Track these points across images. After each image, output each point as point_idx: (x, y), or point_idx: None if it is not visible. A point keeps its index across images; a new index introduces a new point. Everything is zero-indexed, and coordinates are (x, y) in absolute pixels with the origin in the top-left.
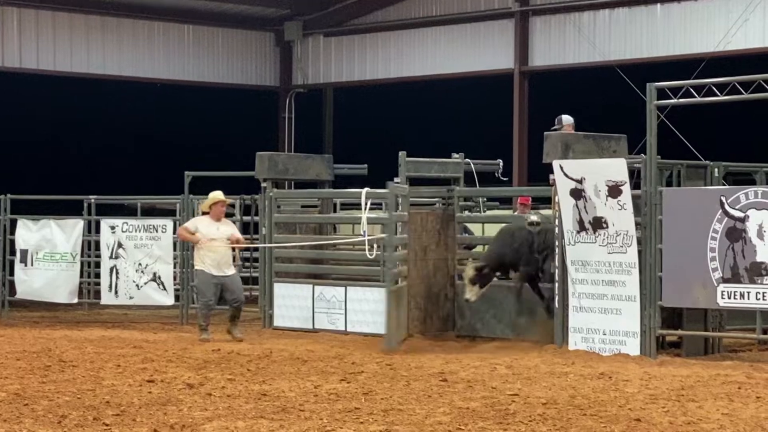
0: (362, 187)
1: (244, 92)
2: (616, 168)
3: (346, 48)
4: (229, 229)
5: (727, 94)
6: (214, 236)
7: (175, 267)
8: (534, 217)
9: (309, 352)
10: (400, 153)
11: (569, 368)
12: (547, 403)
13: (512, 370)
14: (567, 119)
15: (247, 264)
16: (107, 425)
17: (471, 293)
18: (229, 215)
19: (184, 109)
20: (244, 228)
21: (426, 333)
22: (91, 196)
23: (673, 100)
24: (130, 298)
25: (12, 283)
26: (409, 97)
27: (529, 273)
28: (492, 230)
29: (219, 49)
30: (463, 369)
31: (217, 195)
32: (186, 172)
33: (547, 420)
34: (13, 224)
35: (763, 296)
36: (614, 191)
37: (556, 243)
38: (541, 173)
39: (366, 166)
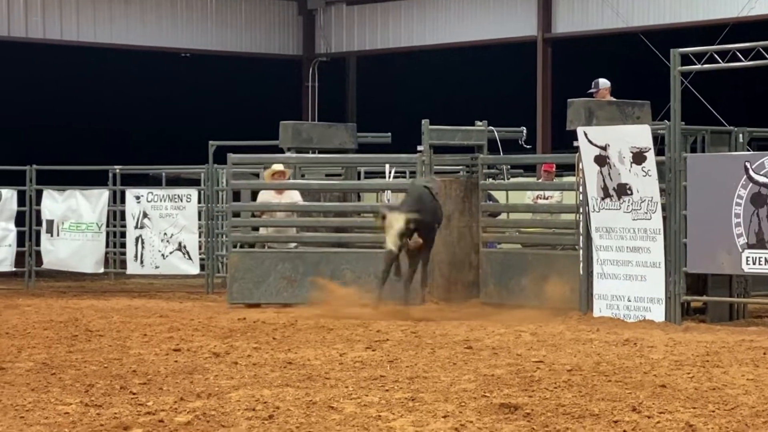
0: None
1: (267, 61)
2: (641, 134)
3: (368, 16)
4: (286, 199)
5: (751, 60)
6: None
7: (200, 236)
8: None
9: (334, 320)
10: (424, 121)
11: (594, 335)
12: (572, 369)
13: (537, 337)
14: (604, 83)
15: None
16: (134, 394)
17: (393, 243)
18: None
19: (207, 79)
20: None
21: (450, 301)
22: (116, 167)
23: (697, 66)
24: (156, 267)
25: (39, 254)
26: (432, 65)
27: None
28: (516, 198)
29: (242, 18)
30: (487, 336)
31: (275, 166)
32: (210, 142)
33: (572, 386)
34: (39, 195)
35: None
36: (638, 158)
37: (581, 209)
38: (564, 140)
39: (390, 134)
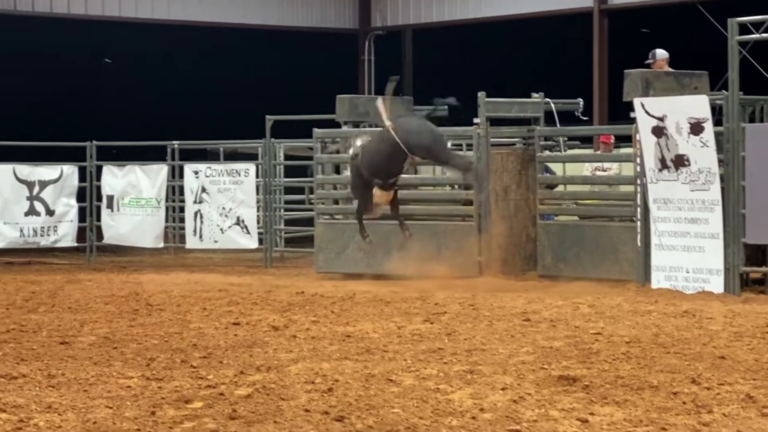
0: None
1: (323, 35)
2: (698, 105)
3: None
4: None
5: None
6: None
7: (258, 210)
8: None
9: (392, 293)
10: (480, 93)
11: (652, 306)
12: (631, 341)
13: (595, 309)
14: (661, 53)
15: None
16: (194, 367)
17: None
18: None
19: (263, 54)
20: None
21: (508, 273)
22: (174, 142)
23: (755, 35)
24: (215, 242)
25: (99, 229)
26: (488, 37)
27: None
28: (573, 170)
29: None
30: (545, 308)
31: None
32: (267, 116)
33: (631, 358)
34: (100, 170)
35: None
36: (696, 128)
37: (638, 181)
38: (622, 112)
39: (446, 107)
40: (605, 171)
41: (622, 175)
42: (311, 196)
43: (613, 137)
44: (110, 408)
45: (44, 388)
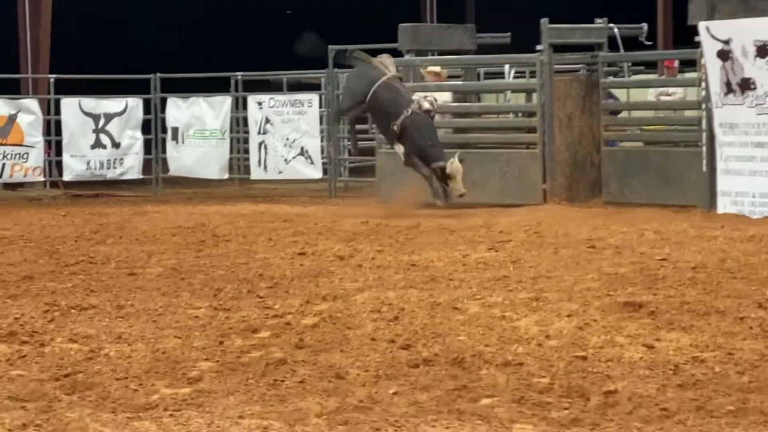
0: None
1: None
2: (765, 27)
3: None
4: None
5: None
6: None
7: (322, 141)
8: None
9: (456, 221)
10: (543, 20)
11: (718, 232)
12: (697, 267)
13: (660, 235)
14: None
15: None
16: (261, 297)
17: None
18: None
19: None
20: None
21: (572, 200)
22: (237, 73)
23: None
24: (279, 172)
25: (165, 161)
26: None
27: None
28: (637, 95)
29: None
30: (610, 235)
31: (431, 68)
32: (330, 46)
33: (697, 284)
34: (164, 103)
35: None
36: (762, 51)
37: (704, 105)
38: (686, 36)
39: (509, 34)
40: (669, 96)
41: (687, 100)
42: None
43: (677, 62)
44: (179, 338)
45: (114, 319)
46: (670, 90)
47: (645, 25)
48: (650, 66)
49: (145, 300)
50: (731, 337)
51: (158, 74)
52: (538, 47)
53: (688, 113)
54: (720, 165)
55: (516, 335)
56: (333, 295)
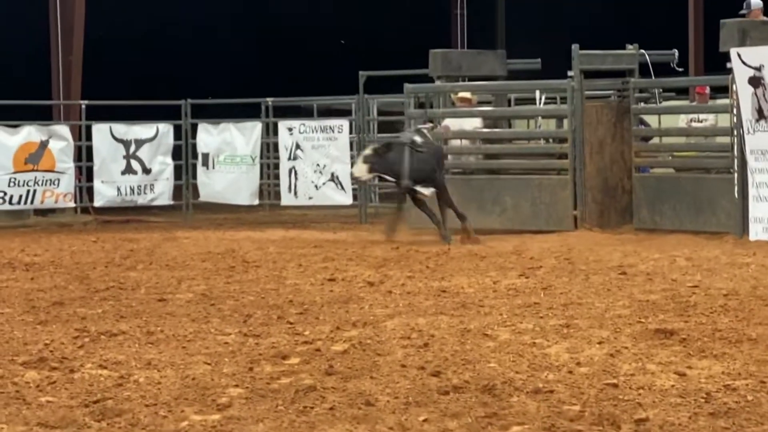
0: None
1: None
2: None
3: None
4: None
5: None
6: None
7: (352, 166)
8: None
9: (487, 248)
10: (574, 46)
11: (750, 259)
12: (728, 294)
13: (692, 262)
14: (756, 3)
15: None
16: (291, 323)
17: (359, 171)
18: None
19: (356, 9)
20: None
21: (603, 227)
22: (268, 99)
23: None
24: (309, 198)
25: (195, 187)
26: None
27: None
28: (668, 121)
29: None
30: (641, 262)
31: (462, 93)
32: (360, 72)
33: (729, 311)
34: (195, 128)
35: None
36: None
37: (735, 132)
38: (718, 62)
39: (539, 60)
40: (700, 122)
41: (718, 127)
42: None
43: (708, 88)
44: (208, 364)
45: (143, 345)
46: (701, 116)
47: (676, 52)
48: (681, 92)
49: (175, 326)
50: (763, 365)
51: (189, 100)
52: (569, 73)
53: (720, 139)
54: (752, 191)
55: (546, 362)
56: (363, 321)
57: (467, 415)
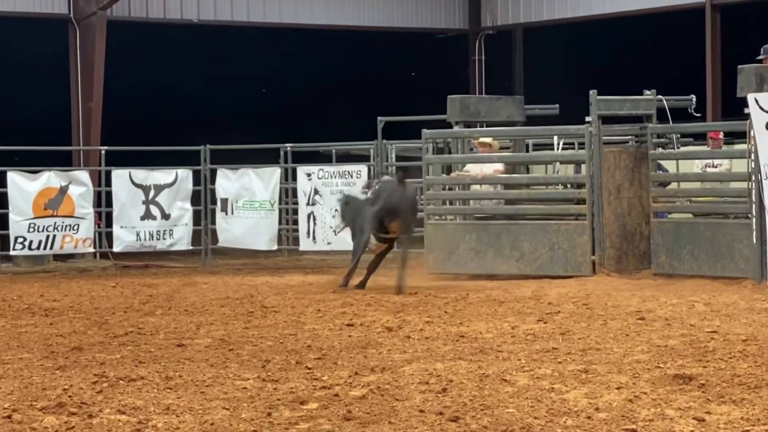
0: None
1: (433, 36)
2: None
3: None
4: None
5: None
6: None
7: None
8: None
9: (505, 293)
10: (591, 91)
11: None
12: (747, 339)
13: (710, 307)
14: None
15: None
16: (309, 369)
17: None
18: None
19: (374, 55)
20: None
21: (622, 272)
22: (287, 144)
23: None
24: (328, 243)
25: (214, 232)
26: (599, 35)
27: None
28: (686, 167)
29: None
30: (660, 307)
31: (483, 139)
32: (379, 118)
33: (748, 357)
34: (213, 174)
35: None
36: None
37: (753, 177)
38: (735, 108)
39: (557, 106)
40: (716, 167)
41: (736, 172)
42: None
43: (722, 133)
44: (227, 409)
45: (162, 390)
46: (717, 161)
47: (693, 97)
48: (699, 137)
49: (194, 371)
50: None
51: (208, 146)
52: (587, 118)
53: (738, 185)
54: None
55: (565, 407)
56: (381, 366)
57: None
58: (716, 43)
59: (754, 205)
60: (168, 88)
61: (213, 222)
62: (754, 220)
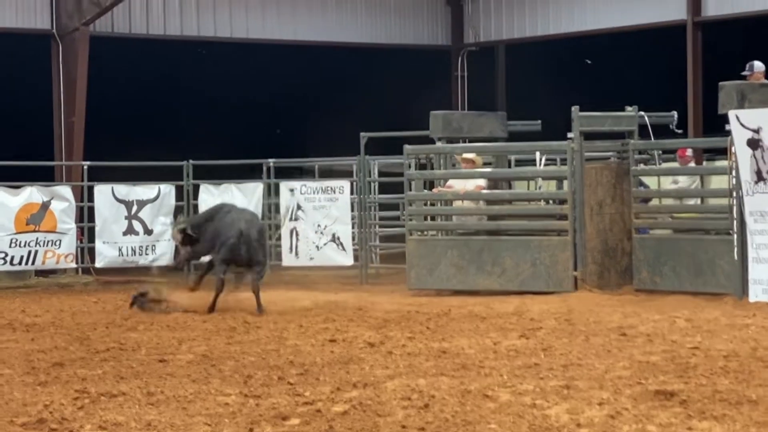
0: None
1: (416, 52)
2: None
3: (516, 4)
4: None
5: None
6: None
7: (353, 227)
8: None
9: (487, 309)
10: (573, 108)
11: (750, 320)
12: (729, 355)
13: (692, 323)
14: (759, 66)
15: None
16: (291, 384)
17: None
18: None
19: (357, 71)
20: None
21: (603, 287)
22: (269, 160)
23: None
24: (311, 259)
25: None
26: (581, 52)
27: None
28: (668, 183)
29: (391, 10)
30: (642, 323)
31: (465, 155)
32: (361, 133)
33: (729, 373)
34: (196, 189)
35: None
36: None
37: (733, 194)
38: (716, 124)
39: (540, 122)
40: (677, 184)
41: (717, 188)
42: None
43: (689, 150)
44: (209, 425)
45: (143, 406)
46: (680, 178)
47: (675, 113)
48: None
49: (176, 387)
50: (764, 427)
51: (191, 161)
52: (569, 135)
53: (719, 201)
54: (751, 253)
55: (547, 423)
56: (363, 382)
57: None
58: (698, 60)
59: (735, 222)
60: (151, 104)
61: None
62: (735, 236)
